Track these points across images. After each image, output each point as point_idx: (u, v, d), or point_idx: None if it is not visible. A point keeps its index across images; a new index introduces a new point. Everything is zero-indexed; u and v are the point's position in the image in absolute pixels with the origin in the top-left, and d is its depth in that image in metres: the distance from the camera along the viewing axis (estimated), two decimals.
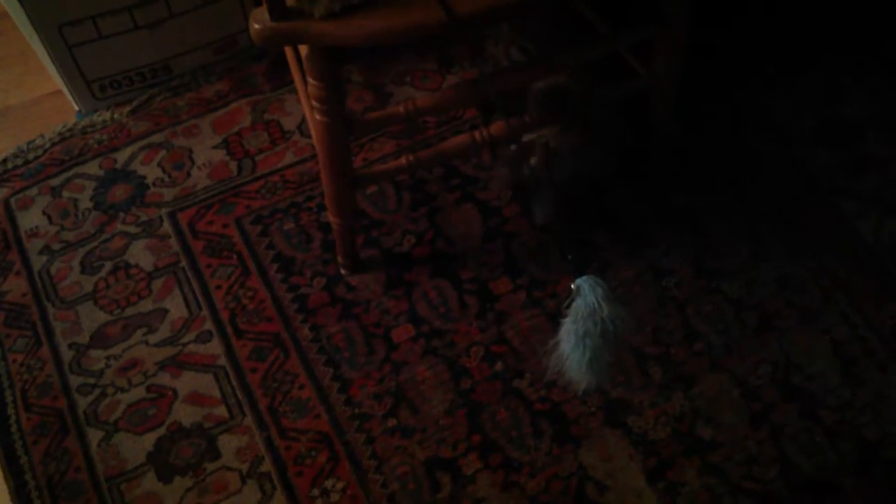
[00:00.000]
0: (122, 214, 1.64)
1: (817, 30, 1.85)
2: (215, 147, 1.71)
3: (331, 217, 1.44)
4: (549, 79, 1.38)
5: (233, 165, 1.68)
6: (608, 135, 1.53)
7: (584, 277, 1.00)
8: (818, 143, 1.71)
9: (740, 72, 1.79)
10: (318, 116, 1.23)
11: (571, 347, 1.02)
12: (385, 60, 1.80)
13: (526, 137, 1.43)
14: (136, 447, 1.41)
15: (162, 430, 1.42)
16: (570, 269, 1.02)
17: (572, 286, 1.01)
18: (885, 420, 1.42)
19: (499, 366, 1.47)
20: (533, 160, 1.37)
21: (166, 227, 1.62)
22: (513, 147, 1.42)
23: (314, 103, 1.21)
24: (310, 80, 1.19)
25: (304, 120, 1.73)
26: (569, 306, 1.03)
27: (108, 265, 1.58)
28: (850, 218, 1.62)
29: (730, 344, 1.49)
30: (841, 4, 1.88)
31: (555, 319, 1.50)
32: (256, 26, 1.10)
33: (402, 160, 1.40)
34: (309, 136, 1.71)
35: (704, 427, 1.42)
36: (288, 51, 1.56)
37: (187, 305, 1.54)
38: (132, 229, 1.62)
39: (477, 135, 1.41)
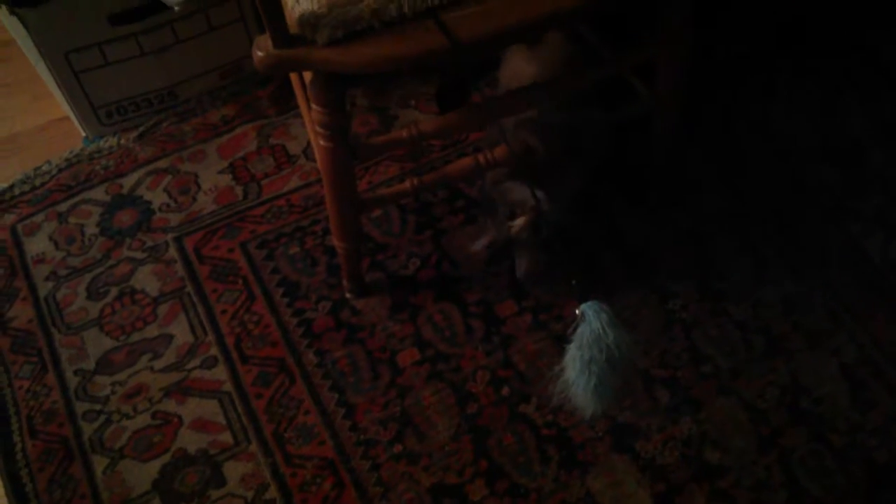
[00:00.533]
0: (128, 240, 1.64)
1: (804, 30, 1.85)
2: (221, 172, 1.71)
3: (336, 241, 1.44)
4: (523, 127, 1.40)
5: (238, 190, 1.69)
6: (590, 159, 1.52)
7: (589, 303, 1.00)
8: (821, 160, 1.70)
9: (735, 80, 1.79)
10: (322, 142, 1.24)
11: (577, 373, 1.01)
12: (390, 84, 1.80)
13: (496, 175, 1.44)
14: (141, 474, 1.41)
15: (167, 457, 1.42)
16: (575, 294, 1.01)
17: (577, 311, 1.01)
18: None
19: (505, 390, 1.47)
20: (518, 221, 1.38)
21: (172, 252, 1.62)
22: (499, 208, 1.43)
23: (318, 129, 1.22)
24: (314, 105, 1.19)
25: (309, 144, 1.74)
26: (574, 332, 1.02)
27: (114, 291, 1.59)
28: (855, 237, 1.61)
29: (737, 367, 1.48)
30: (830, 5, 1.87)
31: (561, 342, 1.49)
32: (260, 54, 1.10)
33: (407, 184, 1.40)
34: (314, 160, 1.71)
35: (713, 451, 1.41)
36: (293, 75, 1.56)
37: (193, 331, 1.54)
38: (138, 255, 1.62)
39: (481, 158, 1.41)
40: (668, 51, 1.42)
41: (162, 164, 1.73)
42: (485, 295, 1.56)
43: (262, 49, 1.10)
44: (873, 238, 1.61)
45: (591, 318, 0.99)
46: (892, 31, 1.87)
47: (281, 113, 1.78)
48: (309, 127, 1.51)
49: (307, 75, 1.20)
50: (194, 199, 1.68)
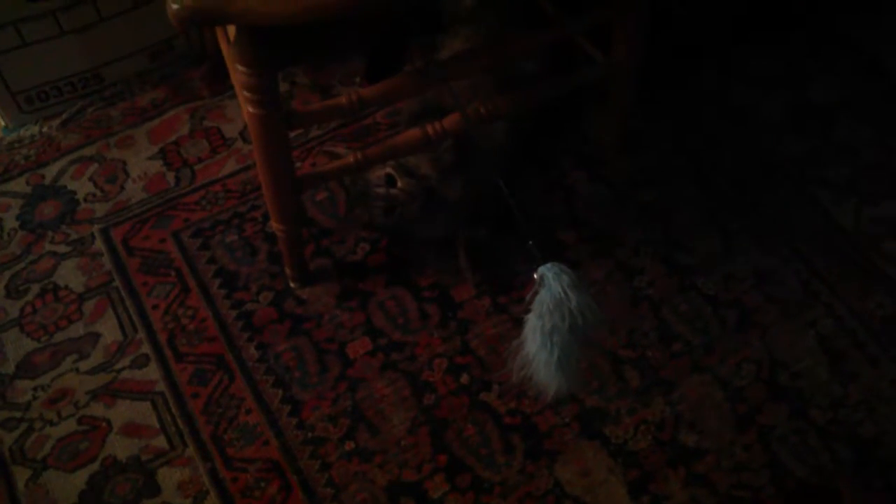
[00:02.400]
0: (50, 233, 1.51)
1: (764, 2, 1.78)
2: (151, 158, 1.59)
3: (274, 224, 1.33)
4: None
5: (170, 176, 1.56)
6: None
7: (548, 265, 0.89)
8: (787, 131, 1.62)
9: (697, 51, 1.71)
10: (250, 108, 1.12)
11: (538, 347, 0.91)
12: (331, 59, 1.69)
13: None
14: (66, 485, 1.28)
15: (95, 466, 1.29)
16: (532, 256, 0.91)
17: (535, 275, 0.90)
18: (880, 417, 1.32)
19: (464, 378, 1.36)
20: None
21: (98, 244, 1.49)
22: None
23: (246, 93, 1.10)
24: (238, 67, 1.08)
25: (246, 127, 1.62)
26: (532, 299, 0.91)
27: (36, 288, 1.45)
28: (826, 207, 1.54)
29: (709, 343, 1.39)
30: None
31: (523, 326, 1.39)
32: (174, 6, 0.99)
33: (350, 158, 1.29)
34: (251, 143, 1.59)
35: (688, 434, 1.31)
36: (225, 49, 1.45)
37: (122, 328, 1.41)
38: (61, 248, 1.49)
39: (430, 129, 1.31)
40: (623, 13, 1.34)
41: (87, 151, 1.60)
42: (439, 278, 1.45)
43: (176, 1, 0.99)
44: (844, 207, 1.54)
45: (550, 282, 0.88)
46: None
47: (215, 94, 1.66)
48: (242, 101, 1.40)
49: (233, 34, 1.08)
50: (122, 188, 1.56)
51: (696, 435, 1.31)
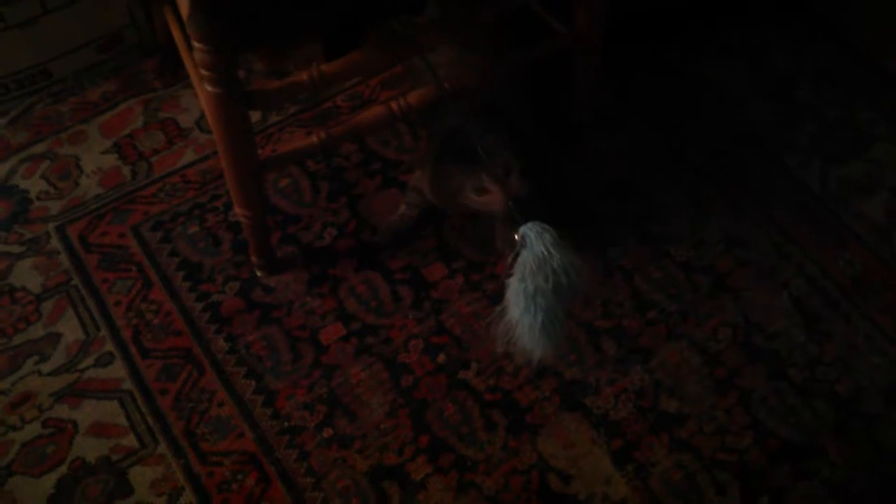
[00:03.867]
0: (3, 234, 1.45)
1: None
2: (105, 152, 1.54)
3: (238, 210, 1.29)
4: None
5: (126, 170, 1.52)
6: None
7: (530, 224, 0.87)
8: (752, 99, 1.62)
9: (658, 25, 1.70)
10: (209, 88, 1.09)
11: (521, 311, 0.88)
12: (288, 44, 1.65)
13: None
14: (34, 491, 1.22)
15: (63, 469, 1.24)
16: (513, 215, 0.88)
17: (516, 236, 0.88)
18: (858, 372, 1.33)
19: (441, 358, 1.33)
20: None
21: (55, 242, 1.44)
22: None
23: (203, 72, 1.07)
24: (195, 44, 1.04)
25: (202, 115, 1.58)
26: (514, 262, 0.89)
27: None
28: (792, 169, 1.54)
29: (684, 309, 1.38)
30: None
31: (497, 302, 1.37)
32: None
33: (313, 138, 1.26)
34: (209, 132, 1.55)
35: (668, 400, 1.30)
36: (177, 35, 1.40)
37: (83, 327, 1.36)
38: (15, 248, 1.43)
39: (394, 105, 1.28)
40: None
41: (38, 149, 1.55)
42: (410, 260, 1.43)
43: None
44: (810, 168, 1.54)
45: (532, 241, 0.86)
46: None
47: (169, 85, 1.62)
48: (199, 87, 1.36)
49: (185, 11, 1.04)
50: (76, 184, 1.50)
51: (677, 401, 1.30)
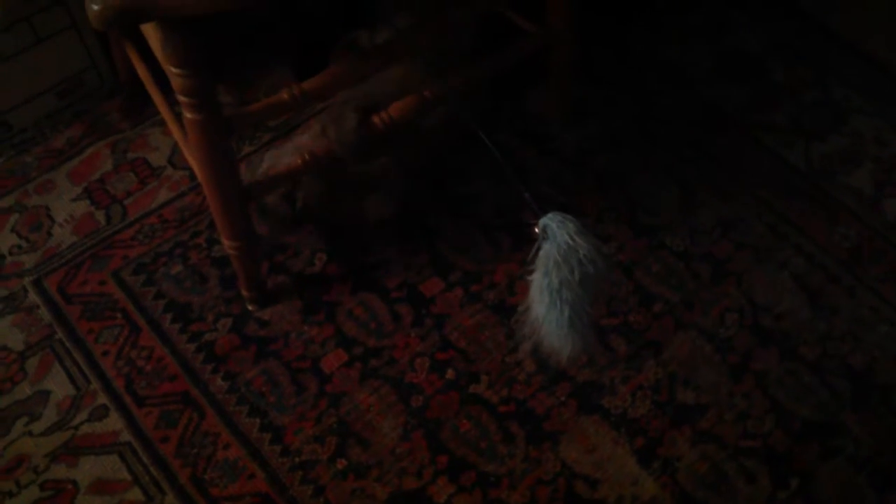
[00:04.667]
0: None
1: None
2: (75, 199, 1.48)
3: (225, 242, 1.25)
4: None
5: (99, 215, 1.46)
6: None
7: (550, 215, 0.83)
8: (724, 82, 1.62)
9: (625, 16, 1.70)
10: (189, 115, 1.04)
11: (547, 307, 0.85)
12: (256, 76, 1.61)
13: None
14: None
15: None
16: (530, 207, 0.85)
17: (536, 229, 0.84)
18: (868, 344, 1.32)
19: (450, 374, 1.30)
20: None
21: (33, 297, 1.37)
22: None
23: (182, 98, 1.02)
24: (172, 69, 1.00)
25: (174, 151, 1.53)
26: (535, 256, 0.85)
27: None
28: (774, 149, 1.53)
29: (689, 299, 1.37)
30: None
31: (500, 311, 1.34)
32: (95, 7, 0.91)
33: (297, 159, 1.22)
34: (183, 168, 1.50)
35: (685, 391, 1.28)
36: (143, 72, 1.36)
37: (73, 381, 1.30)
38: None
39: (376, 119, 1.25)
40: None
41: (4, 203, 1.48)
42: (405, 276, 1.39)
43: (97, 2, 0.90)
44: (794, 147, 1.54)
45: (555, 232, 0.83)
46: None
47: (135, 124, 1.57)
48: (171, 123, 1.31)
49: (155, 41, 1.00)
50: (49, 235, 1.44)
51: (694, 392, 1.28)
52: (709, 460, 1.22)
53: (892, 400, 1.27)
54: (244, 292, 1.35)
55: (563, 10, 1.37)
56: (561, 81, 1.49)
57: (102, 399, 1.28)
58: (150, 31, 1.01)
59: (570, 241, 0.81)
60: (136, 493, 1.20)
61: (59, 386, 1.29)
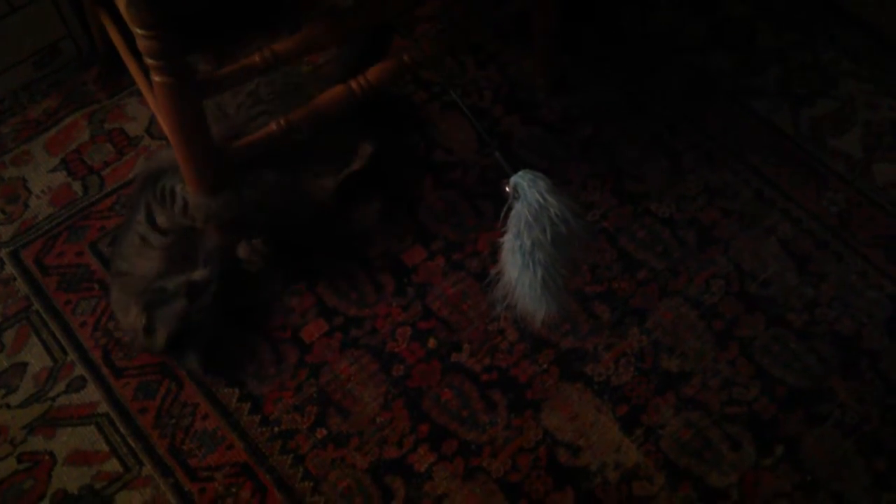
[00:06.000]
0: None
1: None
2: (52, 170, 1.46)
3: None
4: None
5: (77, 186, 1.44)
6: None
7: (520, 173, 0.81)
8: (712, 47, 1.60)
9: None
10: (158, 78, 1.02)
11: (520, 269, 0.83)
12: (234, 44, 1.59)
13: None
14: None
15: None
16: (500, 165, 0.83)
17: (507, 188, 0.82)
18: (856, 309, 1.30)
19: (431, 343, 1.28)
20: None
21: (9, 269, 1.36)
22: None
23: (149, 61, 1.00)
24: (138, 31, 0.98)
25: (151, 121, 1.50)
26: (506, 217, 0.83)
27: None
28: (762, 113, 1.51)
29: (674, 266, 1.35)
30: None
31: (482, 279, 1.32)
32: None
33: (273, 126, 1.20)
34: (161, 138, 1.48)
35: (669, 359, 1.26)
36: (117, 39, 1.34)
37: (50, 353, 1.28)
38: None
39: (354, 84, 1.23)
40: None
41: None
42: (387, 246, 1.37)
43: None
44: (781, 112, 1.51)
45: (525, 191, 0.80)
46: None
47: (113, 94, 1.54)
48: (146, 91, 1.29)
49: (123, 6, 0.98)
50: (26, 206, 1.42)
51: (678, 359, 1.26)
52: (693, 427, 1.21)
53: (879, 366, 1.25)
54: None
55: None
56: (544, 48, 1.46)
57: (80, 370, 1.26)
58: None
59: (542, 200, 0.79)
60: (113, 465, 1.19)
61: (36, 358, 1.28)
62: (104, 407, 1.23)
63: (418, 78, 1.52)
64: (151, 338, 1.20)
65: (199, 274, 1.19)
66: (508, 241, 0.84)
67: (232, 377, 1.25)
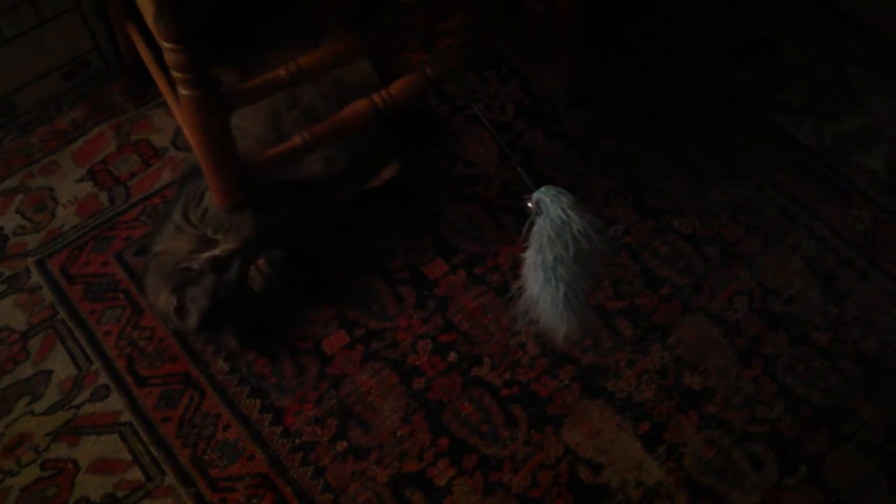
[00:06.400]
0: None
1: None
2: (80, 180, 1.48)
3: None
4: None
5: (103, 196, 1.45)
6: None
7: (543, 189, 0.81)
8: (736, 63, 1.59)
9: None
10: (184, 91, 1.03)
11: (542, 284, 0.83)
12: (258, 56, 1.60)
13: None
14: None
15: None
16: (523, 181, 0.83)
17: (529, 203, 0.82)
18: (881, 329, 1.29)
19: (452, 356, 1.28)
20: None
21: (36, 277, 1.37)
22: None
23: (176, 74, 1.01)
24: (165, 45, 0.99)
25: (177, 133, 1.52)
26: (528, 232, 0.83)
27: None
28: (787, 129, 1.50)
29: (697, 282, 1.34)
30: None
31: (503, 293, 1.32)
32: None
33: (297, 139, 1.21)
34: (186, 149, 1.49)
35: (692, 376, 1.26)
36: (144, 52, 1.35)
37: (74, 361, 1.29)
38: None
39: (377, 98, 1.23)
40: None
41: (9, 183, 1.48)
42: (408, 258, 1.37)
43: None
44: (805, 127, 1.51)
45: (548, 207, 0.80)
46: None
47: (139, 106, 1.56)
48: (173, 103, 1.30)
49: (148, 14, 0.99)
50: (53, 216, 1.44)
51: (701, 376, 1.26)
52: (715, 445, 1.20)
53: None
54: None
55: None
56: (566, 62, 1.46)
57: (104, 379, 1.28)
58: (145, 6, 1.00)
59: (564, 216, 0.79)
60: (135, 473, 1.20)
61: (61, 366, 1.29)
62: (127, 416, 1.24)
63: (441, 91, 1.53)
64: (184, 318, 1.23)
65: (223, 248, 1.20)
66: (531, 257, 0.84)
67: (266, 350, 1.27)
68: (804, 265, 1.35)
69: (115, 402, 1.26)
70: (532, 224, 0.83)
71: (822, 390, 1.24)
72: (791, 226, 1.39)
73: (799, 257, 1.36)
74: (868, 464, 1.18)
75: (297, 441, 1.22)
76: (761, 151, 1.48)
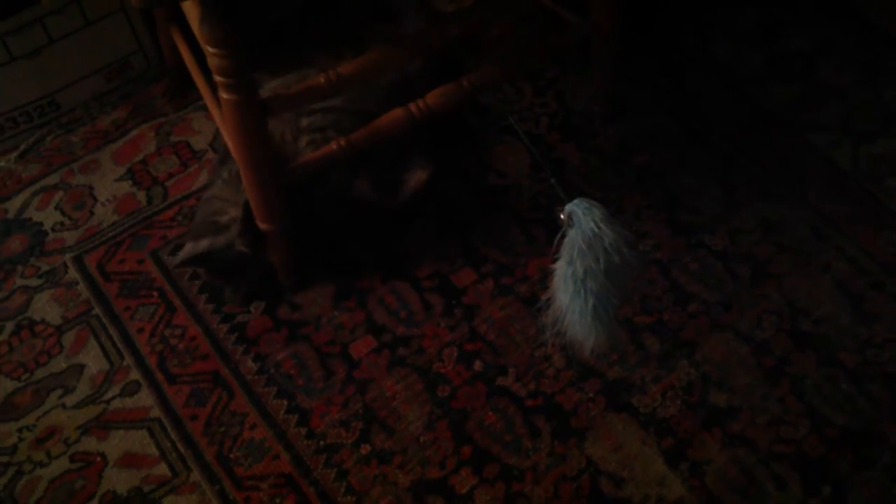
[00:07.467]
0: (20, 267, 1.42)
1: None
2: (119, 179, 1.51)
3: (260, 224, 1.25)
4: None
5: (141, 195, 1.48)
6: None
7: (576, 201, 0.82)
8: (772, 81, 1.59)
9: (671, 15, 1.67)
10: (225, 95, 1.05)
11: (571, 296, 0.83)
12: (297, 62, 1.62)
13: None
14: None
15: None
16: (556, 193, 0.84)
17: (561, 215, 0.83)
18: None
19: (477, 365, 1.29)
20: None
21: (72, 273, 1.40)
22: None
23: (218, 78, 1.03)
24: (209, 49, 1.01)
25: (215, 136, 1.55)
26: (560, 244, 0.84)
27: (10, 325, 1.36)
28: (821, 149, 1.50)
29: (726, 300, 1.34)
30: None
31: (531, 304, 1.33)
32: None
33: (333, 146, 1.23)
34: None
35: (718, 393, 1.25)
36: (186, 55, 1.38)
37: (107, 356, 1.32)
38: (33, 282, 1.40)
39: (413, 108, 1.25)
40: None
41: (50, 180, 1.52)
42: (438, 267, 1.38)
43: None
44: (841, 148, 1.50)
45: (580, 219, 0.81)
46: None
47: (179, 108, 1.59)
48: (212, 107, 1.33)
49: (194, 21, 1.01)
50: (91, 213, 1.47)
51: (727, 394, 1.25)
52: (739, 464, 1.19)
53: None
54: (279, 275, 1.35)
55: (606, 3, 1.35)
56: (603, 76, 1.47)
57: (135, 375, 1.30)
58: (190, 10, 1.03)
59: (596, 229, 0.80)
60: (162, 469, 1.22)
61: (93, 361, 1.32)
62: (156, 412, 1.27)
63: (475, 102, 1.54)
64: (235, 300, 1.33)
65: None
66: (561, 268, 0.84)
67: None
68: (835, 286, 1.34)
69: (145, 398, 1.28)
70: (563, 235, 0.84)
71: (849, 412, 1.23)
72: (823, 246, 1.38)
73: (829, 278, 1.35)
74: (894, 487, 1.17)
75: (322, 443, 1.23)
76: (795, 170, 1.47)
